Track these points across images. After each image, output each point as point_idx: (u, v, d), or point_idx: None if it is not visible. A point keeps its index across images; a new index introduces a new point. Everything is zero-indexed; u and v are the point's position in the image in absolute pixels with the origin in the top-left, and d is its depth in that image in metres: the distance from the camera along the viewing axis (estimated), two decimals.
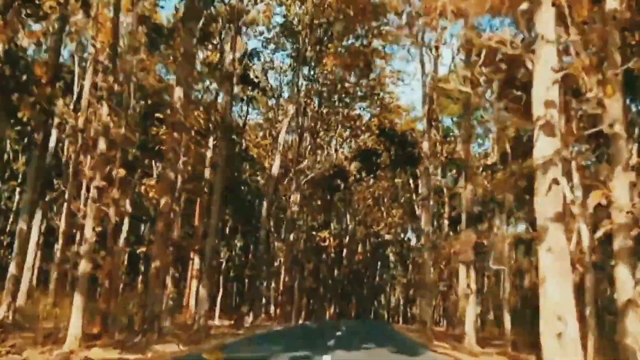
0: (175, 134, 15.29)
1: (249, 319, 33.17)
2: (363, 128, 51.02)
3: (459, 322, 28.68)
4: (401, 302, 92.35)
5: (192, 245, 24.85)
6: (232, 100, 22.16)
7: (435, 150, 28.13)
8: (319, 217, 39.30)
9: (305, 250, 37.89)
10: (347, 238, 57.85)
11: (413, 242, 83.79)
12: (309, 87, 37.90)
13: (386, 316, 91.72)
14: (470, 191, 24.60)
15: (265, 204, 27.79)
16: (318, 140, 38.42)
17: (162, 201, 14.71)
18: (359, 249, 62.44)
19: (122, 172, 14.41)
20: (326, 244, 37.68)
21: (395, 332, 25.61)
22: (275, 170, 27.86)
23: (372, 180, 55.55)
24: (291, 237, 36.27)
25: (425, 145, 24.12)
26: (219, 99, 28.59)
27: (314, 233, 36.44)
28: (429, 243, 24.26)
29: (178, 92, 15.45)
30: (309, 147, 40.15)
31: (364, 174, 52.01)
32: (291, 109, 29.64)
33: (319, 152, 38.51)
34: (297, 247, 35.10)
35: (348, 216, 58.14)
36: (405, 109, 52.34)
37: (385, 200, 63.62)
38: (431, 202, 25.56)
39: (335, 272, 55.90)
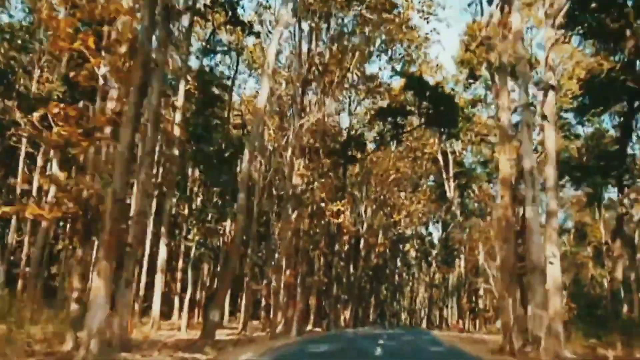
0: None
1: (238, 327, 24.48)
2: (382, 89, 41.10)
3: (549, 333, 18.38)
4: (425, 303, 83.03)
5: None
6: None
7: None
8: (330, 185, 29.08)
9: (312, 234, 27.78)
10: (365, 226, 47.73)
11: (436, 237, 74.78)
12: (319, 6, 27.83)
13: (408, 320, 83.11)
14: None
15: (246, 152, 17.73)
16: (328, 77, 28.26)
17: None
18: (379, 239, 52.15)
19: None
20: (340, 220, 27.47)
21: None
22: (262, 100, 17.80)
23: (392, 155, 45.37)
24: (293, 216, 26.19)
25: (516, 19, 13.83)
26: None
27: (322, 205, 26.21)
28: (532, 190, 13.91)
29: None
30: (315, 97, 30.18)
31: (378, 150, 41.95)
32: (285, 13, 19.54)
33: (326, 99, 28.36)
34: (302, 225, 24.97)
35: (365, 202, 48.04)
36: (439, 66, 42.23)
37: (407, 184, 53.65)
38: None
39: (351, 268, 45.80)
